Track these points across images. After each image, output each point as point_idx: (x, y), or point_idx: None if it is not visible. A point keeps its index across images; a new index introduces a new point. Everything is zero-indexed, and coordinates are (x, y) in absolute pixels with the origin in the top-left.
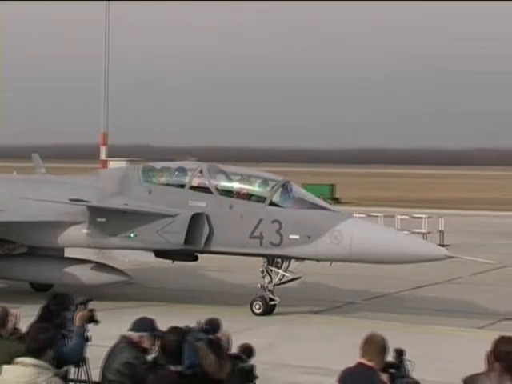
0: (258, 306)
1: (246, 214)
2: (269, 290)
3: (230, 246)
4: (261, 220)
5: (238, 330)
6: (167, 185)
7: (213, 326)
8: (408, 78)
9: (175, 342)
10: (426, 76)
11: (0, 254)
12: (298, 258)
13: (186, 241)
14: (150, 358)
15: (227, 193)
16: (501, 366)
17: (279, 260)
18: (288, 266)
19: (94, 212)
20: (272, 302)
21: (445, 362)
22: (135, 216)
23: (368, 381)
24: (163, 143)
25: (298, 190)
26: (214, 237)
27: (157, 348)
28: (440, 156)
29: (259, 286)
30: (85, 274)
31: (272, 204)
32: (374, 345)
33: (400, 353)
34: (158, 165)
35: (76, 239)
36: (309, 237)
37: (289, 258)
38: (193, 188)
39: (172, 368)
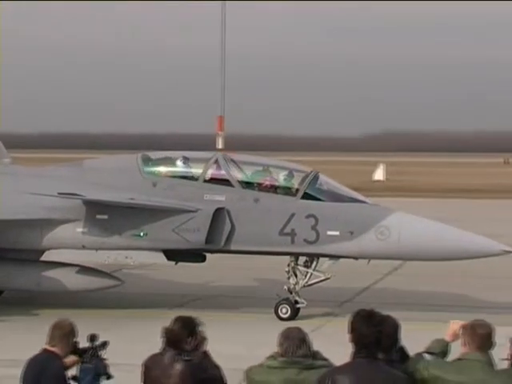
0: (284, 310)
1: (274, 208)
2: (295, 292)
3: (255, 244)
4: (293, 215)
5: None
6: (176, 177)
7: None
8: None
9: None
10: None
11: None
12: (336, 257)
13: (206, 239)
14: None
15: (251, 185)
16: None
17: (308, 259)
18: (316, 266)
19: (93, 208)
20: (298, 305)
21: None
22: (145, 212)
23: (45, 365)
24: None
25: (330, 182)
26: (236, 234)
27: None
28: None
29: (285, 287)
30: (69, 279)
31: (305, 197)
32: (59, 330)
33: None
34: (159, 154)
35: (67, 239)
36: (351, 233)
37: (326, 257)
38: (208, 180)
39: None
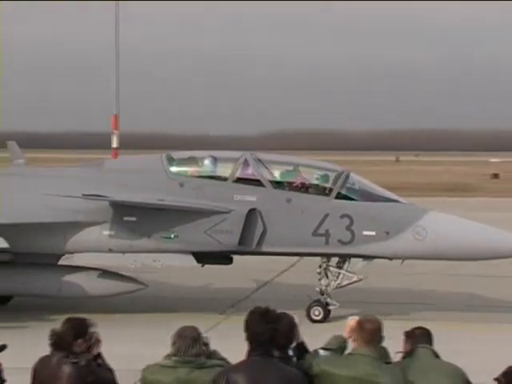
0: (317, 312)
1: (307, 208)
2: (327, 294)
3: (288, 245)
4: (327, 215)
5: None
6: (204, 177)
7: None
8: None
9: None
10: None
11: None
12: (371, 257)
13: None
14: None
15: (282, 185)
16: None
17: (340, 259)
18: (348, 266)
19: (120, 209)
20: (329, 307)
21: None
22: (175, 213)
23: None
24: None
25: (362, 181)
26: (268, 235)
27: None
28: None
29: (317, 289)
30: (91, 284)
31: (339, 197)
32: None
33: None
34: (184, 154)
35: (93, 242)
36: (387, 233)
37: (360, 258)
38: (237, 180)
39: None
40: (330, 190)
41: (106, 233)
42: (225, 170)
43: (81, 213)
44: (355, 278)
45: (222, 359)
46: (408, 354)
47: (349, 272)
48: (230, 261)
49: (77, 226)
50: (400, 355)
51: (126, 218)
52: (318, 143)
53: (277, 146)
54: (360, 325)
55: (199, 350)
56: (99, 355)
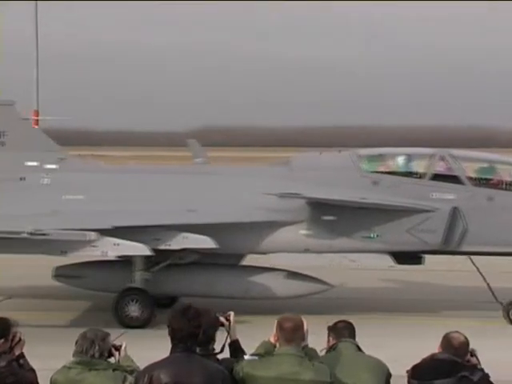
0: None
1: (509, 206)
2: None
3: (490, 245)
4: None
5: None
6: (398, 174)
7: None
8: None
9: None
10: None
11: (169, 263)
12: None
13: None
14: None
15: (482, 182)
16: None
17: None
18: None
19: (318, 208)
20: None
21: None
22: (376, 212)
23: None
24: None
25: None
26: (469, 235)
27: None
28: None
29: None
30: (278, 285)
31: None
32: None
33: None
34: (374, 151)
35: (289, 242)
36: None
37: None
38: (434, 178)
39: None
40: None
41: (303, 232)
42: (419, 168)
43: (277, 212)
44: None
45: (129, 366)
46: (331, 349)
47: None
48: (420, 261)
49: (273, 226)
50: (324, 351)
51: (324, 217)
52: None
53: (204, 142)
54: (279, 324)
55: (96, 351)
56: (21, 355)
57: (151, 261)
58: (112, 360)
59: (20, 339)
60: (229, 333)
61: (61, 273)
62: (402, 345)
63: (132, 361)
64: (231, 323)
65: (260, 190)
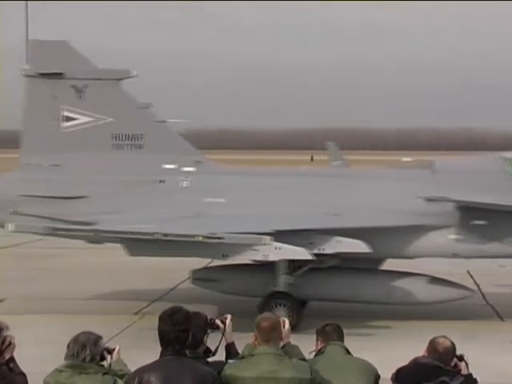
0: None
1: None
2: None
3: None
4: None
5: None
6: None
7: None
8: None
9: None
10: None
11: (310, 267)
12: None
13: None
14: None
15: None
16: None
17: None
18: None
19: (467, 212)
20: None
21: None
22: None
23: None
24: None
25: None
26: None
27: None
28: None
29: None
30: (421, 290)
31: None
32: None
33: None
34: None
35: (437, 247)
36: None
37: None
38: None
39: None
40: None
41: (452, 237)
42: None
43: (425, 216)
44: None
45: (122, 372)
46: (320, 352)
47: None
48: None
49: (421, 230)
50: (313, 354)
51: (474, 222)
52: (228, 142)
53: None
54: (257, 325)
55: (86, 355)
56: (12, 359)
57: (293, 265)
58: (105, 363)
59: (10, 343)
60: (223, 335)
61: (198, 276)
62: (391, 347)
63: (124, 364)
64: (227, 326)
65: (405, 193)
